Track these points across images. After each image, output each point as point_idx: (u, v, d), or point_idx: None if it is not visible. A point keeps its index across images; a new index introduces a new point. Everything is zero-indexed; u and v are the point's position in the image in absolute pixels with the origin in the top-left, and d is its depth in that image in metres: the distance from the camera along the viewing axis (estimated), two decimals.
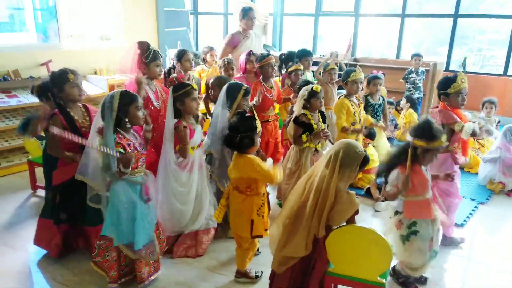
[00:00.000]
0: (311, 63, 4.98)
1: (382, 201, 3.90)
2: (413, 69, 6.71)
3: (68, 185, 2.74)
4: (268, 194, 2.74)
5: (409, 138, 2.56)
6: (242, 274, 2.77)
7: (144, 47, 3.25)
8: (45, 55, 5.38)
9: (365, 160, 2.16)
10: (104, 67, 5.85)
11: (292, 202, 2.30)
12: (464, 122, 3.03)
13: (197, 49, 8.34)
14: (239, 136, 2.50)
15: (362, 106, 4.30)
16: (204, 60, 5.22)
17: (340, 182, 2.14)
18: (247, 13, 5.09)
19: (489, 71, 8.11)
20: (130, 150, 2.41)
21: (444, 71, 7.44)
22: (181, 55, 4.18)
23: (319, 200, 2.14)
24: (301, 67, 4.47)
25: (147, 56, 3.22)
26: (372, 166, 4.15)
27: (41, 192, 3.96)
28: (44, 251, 3.03)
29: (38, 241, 3.01)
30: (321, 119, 3.35)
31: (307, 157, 3.32)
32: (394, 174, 2.56)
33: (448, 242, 3.29)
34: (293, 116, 3.33)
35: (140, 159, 2.54)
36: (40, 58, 5.35)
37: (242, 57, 4.26)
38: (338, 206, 2.13)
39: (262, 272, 2.80)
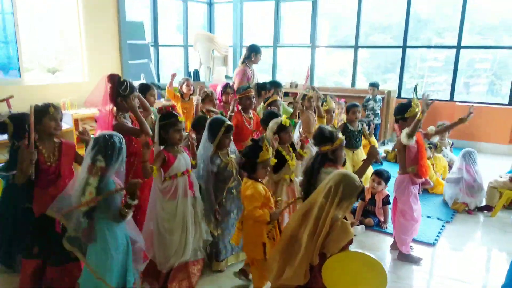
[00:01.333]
0: (280, 93, 5.22)
1: (358, 225, 4.05)
2: (370, 97, 7.11)
3: (41, 220, 2.64)
4: None
5: (315, 149, 2.89)
6: None
7: (115, 80, 3.12)
8: (5, 90, 5.14)
9: (362, 191, 2.29)
10: (68, 101, 5.69)
11: (290, 230, 2.36)
12: (421, 142, 3.35)
13: (158, 80, 8.33)
14: (244, 160, 2.72)
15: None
16: (181, 92, 5.13)
17: (338, 212, 2.21)
18: (260, 51, 5.48)
19: (431, 97, 8.72)
20: None
21: (397, 98, 7.92)
22: (145, 90, 3.99)
23: (317, 229, 2.22)
24: (279, 98, 4.67)
25: (125, 89, 3.09)
26: None
27: None
28: None
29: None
30: (291, 149, 3.35)
31: (282, 188, 3.27)
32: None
33: (409, 259, 3.47)
34: None
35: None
36: None
37: (219, 89, 4.42)
38: (333, 235, 2.20)
39: None
